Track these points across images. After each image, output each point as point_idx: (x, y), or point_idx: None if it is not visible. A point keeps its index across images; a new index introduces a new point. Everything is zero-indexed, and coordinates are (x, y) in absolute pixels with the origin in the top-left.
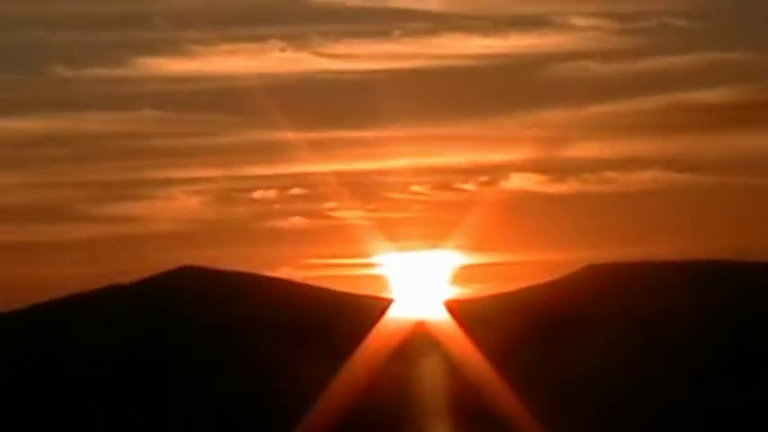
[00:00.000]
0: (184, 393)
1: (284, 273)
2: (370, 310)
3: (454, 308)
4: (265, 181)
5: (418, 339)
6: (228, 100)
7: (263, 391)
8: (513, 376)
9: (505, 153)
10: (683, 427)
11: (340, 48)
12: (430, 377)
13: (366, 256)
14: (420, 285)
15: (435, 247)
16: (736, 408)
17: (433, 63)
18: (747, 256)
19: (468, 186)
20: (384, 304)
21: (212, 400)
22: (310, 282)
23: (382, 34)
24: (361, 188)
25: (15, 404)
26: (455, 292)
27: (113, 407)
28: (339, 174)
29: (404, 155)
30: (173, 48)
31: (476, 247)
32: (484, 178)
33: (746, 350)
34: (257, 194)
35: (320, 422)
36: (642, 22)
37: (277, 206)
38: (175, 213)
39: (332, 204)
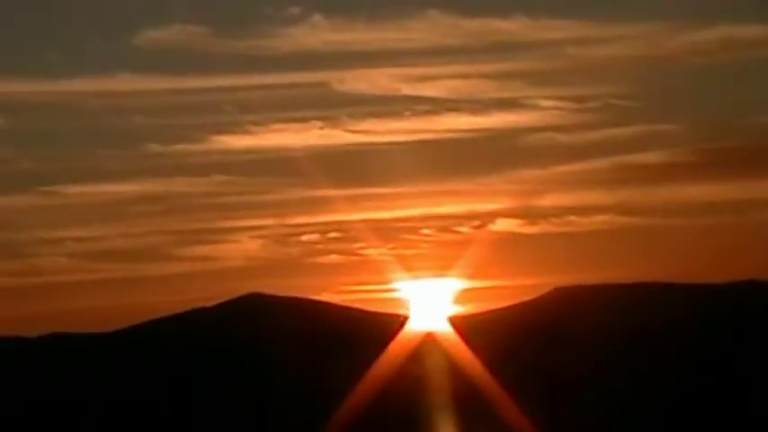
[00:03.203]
0: (257, 384)
1: (325, 297)
2: (390, 324)
3: (456, 321)
4: (310, 227)
5: (428, 346)
6: (280, 166)
7: (307, 389)
8: (504, 372)
9: (492, 203)
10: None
11: (364, 125)
12: (437, 375)
13: (387, 283)
14: (429, 305)
15: (441, 275)
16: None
17: (436, 136)
18: (676, 279)
19: (464, 229)
20: (402, 319)
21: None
22: (346, 303)
23: (396, 114)
24: (383, 232)
25: (120, 397)
26: (456, 309)
27: (208, 399)
28: (366, 221)
29: (415, 206)
30: (237, 128)
31: (472, 275)
32: (476, 222)
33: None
34: (304, 238)
35: (353, 407)
36: (593, 102)
37: (319, 246)
38: (242, 253)
39: (361, 244)
